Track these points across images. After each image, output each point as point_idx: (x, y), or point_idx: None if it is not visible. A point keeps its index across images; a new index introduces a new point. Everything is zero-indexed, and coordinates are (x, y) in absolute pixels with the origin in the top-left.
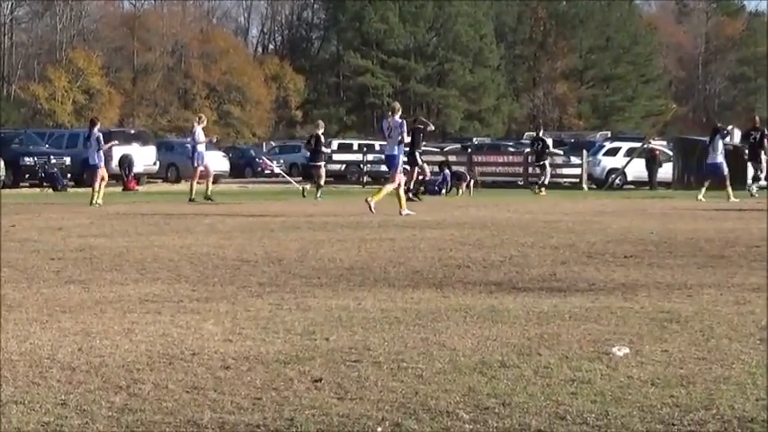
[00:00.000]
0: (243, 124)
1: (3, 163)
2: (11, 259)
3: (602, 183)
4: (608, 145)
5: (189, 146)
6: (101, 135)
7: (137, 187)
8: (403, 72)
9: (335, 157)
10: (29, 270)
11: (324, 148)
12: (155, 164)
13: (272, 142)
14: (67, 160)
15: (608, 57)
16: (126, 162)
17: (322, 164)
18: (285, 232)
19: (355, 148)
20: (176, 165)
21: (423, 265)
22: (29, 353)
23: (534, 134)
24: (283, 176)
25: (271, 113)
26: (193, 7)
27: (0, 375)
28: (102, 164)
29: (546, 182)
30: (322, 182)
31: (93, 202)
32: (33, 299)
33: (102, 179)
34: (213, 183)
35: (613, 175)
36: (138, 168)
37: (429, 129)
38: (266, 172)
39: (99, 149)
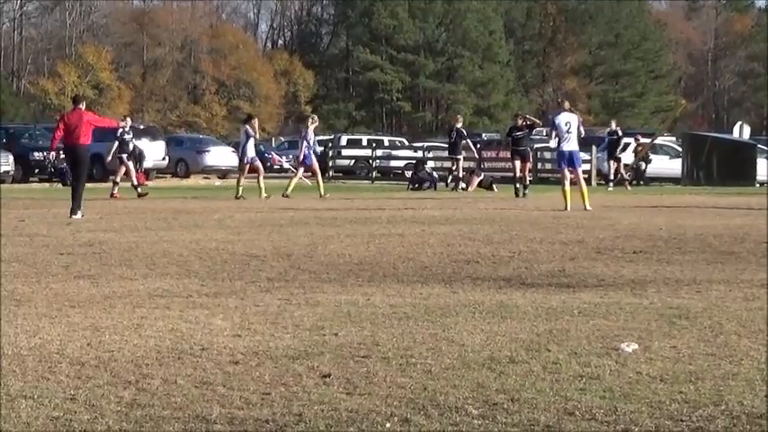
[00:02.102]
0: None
1: (12, 158)
2: (20, 254)
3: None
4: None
5: (303, 145)
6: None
7: (146, 182)
8: (412, 68)
9: (344, 152)
10: (38, 265)
11: (465, 141)
12: (164, 159)
13: (281, 138)
14: None
15: (617, 53)
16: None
17: (460, 157)
18: (294, 227)
19: (364, 143)
20: (185, 160)
21: (432, 261)
22: (38, 347)
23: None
24: (293, 172)
25: (280, 109)
26: (203, 3)
27: (8, 370)
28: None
29: (614, 177)
30: (459, 173)
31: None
32: (42, 293)
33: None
34: (221, 178)
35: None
36: (147, 163)
37: (537, 125)
38: (275, 167)
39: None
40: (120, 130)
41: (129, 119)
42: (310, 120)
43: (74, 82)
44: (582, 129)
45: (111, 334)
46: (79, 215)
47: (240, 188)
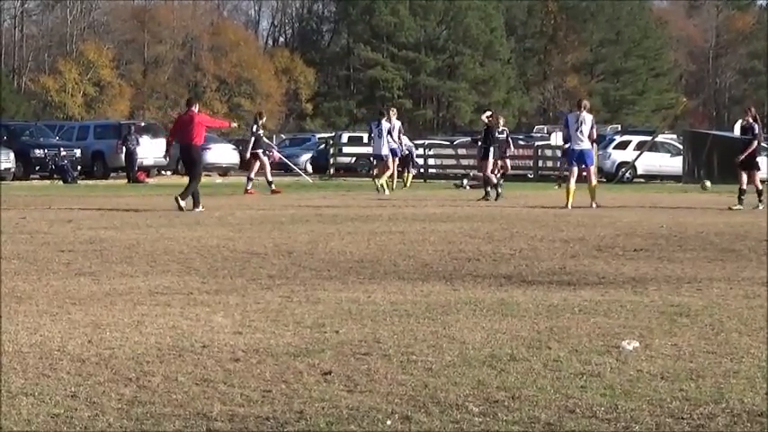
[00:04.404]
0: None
1: (13, 155)
2: (21, 251)
3: (613, 176)
4: (618, 138)
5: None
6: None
7: (146, 180)
8: (413, 65)
9: (345, 150)
10: (39, 262)
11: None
12: (165, 157)
13: (282, 135)
14: (77, 152)
15: (618, 50)
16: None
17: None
18: (295, 225)
19: (365, 141)
20: None
21: (433, 259)
22: (39, 345)
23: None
24: (293, 169)
25: (281, 106)
26: (204, 0)
27: (9, 367)
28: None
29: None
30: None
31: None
32: (43, 291)
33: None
34: (222, 175)
35: (623, 169)
36: (148, 161)
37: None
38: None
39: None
40: (256, 126)
41: (264, 115)
42: (393, 113)
43: (75, 79)
44: (592, 132)
45: (111, 331)
46: (201, 207)
47: (385, 182)
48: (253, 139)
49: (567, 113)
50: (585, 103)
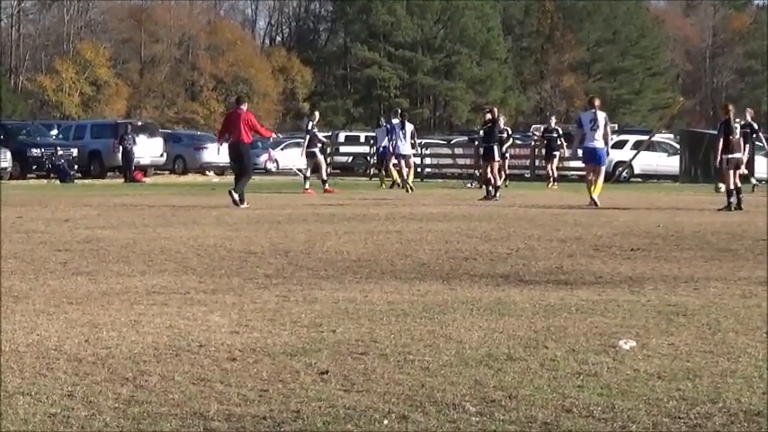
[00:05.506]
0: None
1: (10, 154)
2: (18, 250)
3: (610, 176)
4: (615, 138)
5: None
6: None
7: (143, 179)
8: (410, 64)
9: (342, 149)
10: (36, 261)
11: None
12: (162, 155)
13: (279, 134)
14: (74, 152)
15: (615, 50)
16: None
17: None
18: (292, 224)
19: (362, 140)
20: (183, 157)
21: (430, 258)
22: (35, 344)
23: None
24: (295, 171)
25: (278, 106)
26: None
27: (6, 367)
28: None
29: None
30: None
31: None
32: (40, 290)
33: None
34: (219, 174)
35: (620, 168)
36: (145, 160)
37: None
38: (267, 165)
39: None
40: (311, 124)
41: (317, 113)
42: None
43: (71, 78)
44: (607, 130)
45: (108, 331)
46: (245, 204)
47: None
48: (308, 137)
49: (582, 112)
50: (597, 101)
